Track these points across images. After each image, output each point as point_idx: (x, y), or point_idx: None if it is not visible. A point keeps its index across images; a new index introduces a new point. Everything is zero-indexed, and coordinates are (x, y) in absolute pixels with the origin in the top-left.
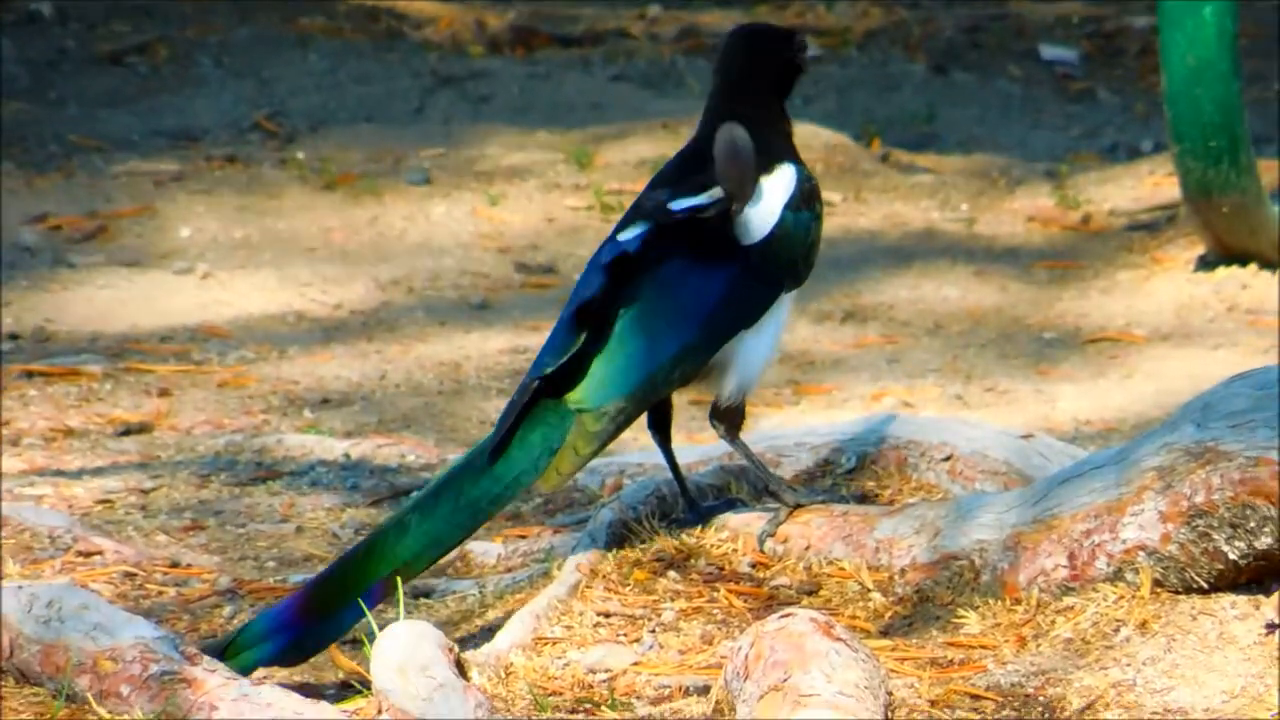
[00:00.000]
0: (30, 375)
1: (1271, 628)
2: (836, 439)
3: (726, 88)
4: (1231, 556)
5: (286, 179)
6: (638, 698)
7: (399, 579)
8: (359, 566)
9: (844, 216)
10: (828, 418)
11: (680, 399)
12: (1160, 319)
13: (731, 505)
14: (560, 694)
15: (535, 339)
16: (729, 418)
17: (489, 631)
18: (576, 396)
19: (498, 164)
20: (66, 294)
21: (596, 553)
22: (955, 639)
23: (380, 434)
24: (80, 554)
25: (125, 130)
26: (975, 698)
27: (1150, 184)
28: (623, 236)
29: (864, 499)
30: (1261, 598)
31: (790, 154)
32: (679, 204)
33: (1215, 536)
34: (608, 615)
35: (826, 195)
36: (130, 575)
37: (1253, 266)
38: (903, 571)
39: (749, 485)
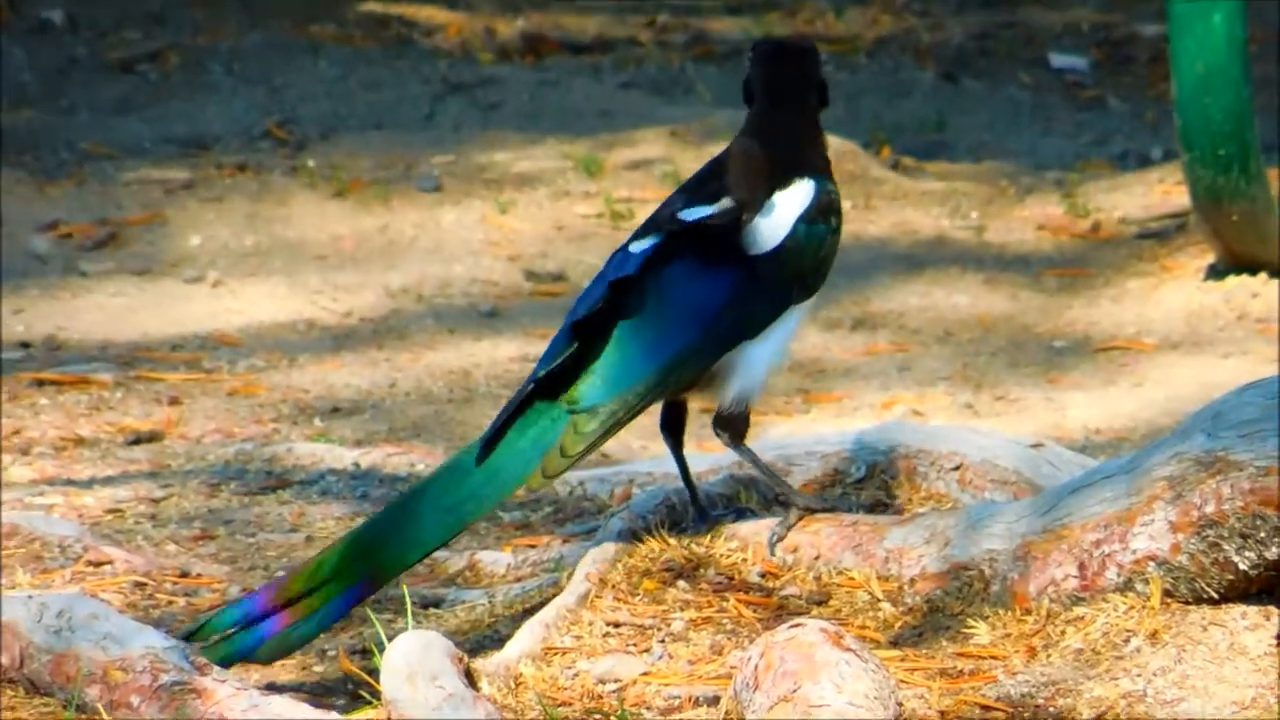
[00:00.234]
0: (41, 384)
1: None
2: (846, 448)
3: (764, 102)
4: (1242, 567)
5: (297, 186)
6: (647, 708)
7: (381, 579)
8: (341, 563)
9: (854, 224)
10: (838, 426)
11: (692, 405)
12: (1170, 327)
13: (741, 514)
14: (570, 704)
15: (544, 347)
16: (731, 425)
17: (498, 641)
18: (570, 396)
19: (507, 171)
20: (77, 302)
21: (606, 562)
22: (965, 649)
23: (390, 443)
24: (90, 563)
25: (136, 138)
26: (985, 708)
27: (1160, 192)
28: (635, 247)
29: (874, 508)
30: (1272, 608)
31: (817, 168)
32: (689, 213)
33: (1225, 547)
34: (617, 625)
35: None
36: (140, 585)
37: (1263, 275)
38: (912, 581)
39: (758, 494)
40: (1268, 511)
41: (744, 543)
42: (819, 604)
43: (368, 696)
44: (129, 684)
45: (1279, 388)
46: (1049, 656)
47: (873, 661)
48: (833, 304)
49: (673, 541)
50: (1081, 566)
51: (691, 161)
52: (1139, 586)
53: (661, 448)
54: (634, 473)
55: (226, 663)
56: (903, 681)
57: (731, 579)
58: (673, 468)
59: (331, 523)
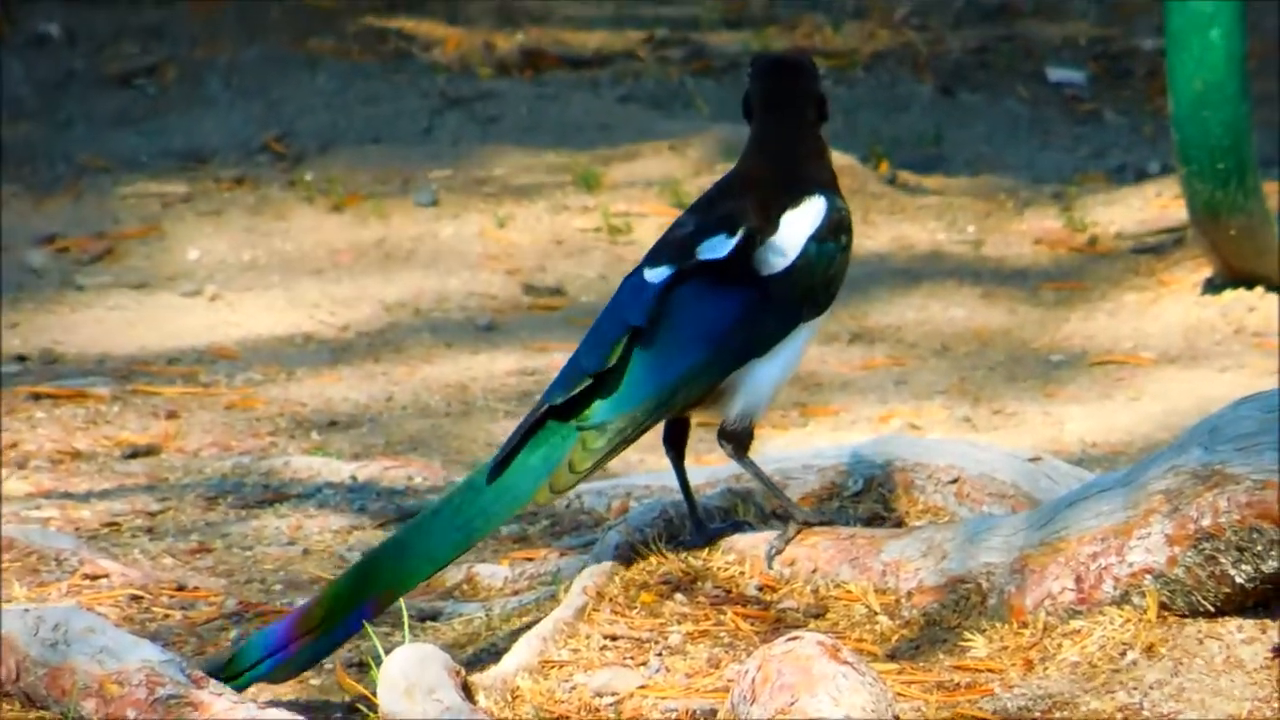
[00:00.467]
0: (38, 397)
1: (1278, 651)
2: (843, 461)
3: (765, 117)
4: (1238, 580)
5: (294, 200)
6: None
7: (392, 595)
8: (355, 583)
9: None
10: (835, 440)
11: (692, 420)
12: (1167, 341)
13: (738, 528)
14: (567, 717)
15: (543, 360)
16: (735, 439)
17: (496, 654)
18: (582, 414)
19: (505, 185)
20: (74, 315)
21: (603, 575)
22: (962, 662)
23: (387, 456)
24: (87, 576)
25: (133, 151)
26: None
27: (1157, 206)
28: (650, 275)
29: (871, 521)
30: (1268, 621)
31: (825, 183)
32: (705, 249)
33: (1222, 560)
34: (614, 638)
35: None
36: (137, 598)
37: (1260, 289)
38: (910, 594)
39: (756, 508)
40: (1264, 525)
41: (741, 556)
42: (816, 617)
43: (365, 710)
44: (125, 697)
45: (1276, 401)
46: (1046, 670)
47: (870, 674)
48: (830, 318)
49: (670, 555)
50: (1078, 580)
51: (690, 175)
52: (1136, 599)
53: (658, 461)
54: (631, 486)
55: (243, 687)
56: (900, 694)
57: (729, 592)
58: (670, 481)
59: (328, 536)
